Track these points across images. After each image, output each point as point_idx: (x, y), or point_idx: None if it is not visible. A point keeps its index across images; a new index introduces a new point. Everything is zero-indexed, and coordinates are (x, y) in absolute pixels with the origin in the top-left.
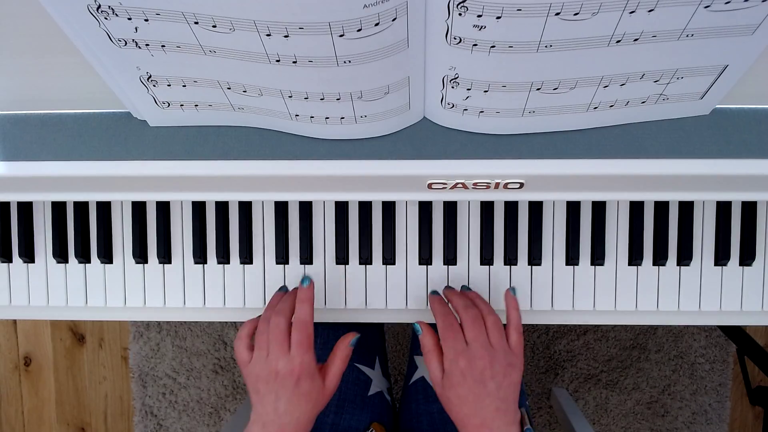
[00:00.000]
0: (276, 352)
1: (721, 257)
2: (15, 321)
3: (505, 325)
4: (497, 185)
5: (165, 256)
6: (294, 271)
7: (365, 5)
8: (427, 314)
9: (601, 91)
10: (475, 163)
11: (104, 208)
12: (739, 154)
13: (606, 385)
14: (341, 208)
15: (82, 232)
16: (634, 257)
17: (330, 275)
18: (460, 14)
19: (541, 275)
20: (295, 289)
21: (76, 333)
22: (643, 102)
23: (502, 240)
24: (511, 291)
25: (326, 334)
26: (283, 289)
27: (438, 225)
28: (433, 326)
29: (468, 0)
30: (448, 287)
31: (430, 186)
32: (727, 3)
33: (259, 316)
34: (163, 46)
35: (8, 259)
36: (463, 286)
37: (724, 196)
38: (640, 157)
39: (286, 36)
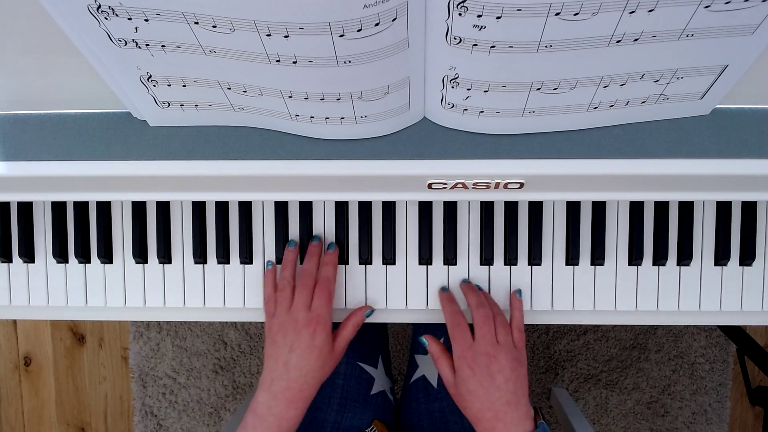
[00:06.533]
0: (299, 305)
1: (721, 257)
2: (15, 321)
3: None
4: (497, 185)
5: (165, 256)
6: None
7: (365, 5)
8: (427, 314)
9: (601, 91)
10: (475, 163)
11: (104, 208)
12: (739, 154)
13: (606, 385)
14: (341, 208)
15: (82, 232)
16: (634, 257)
17: None
18: (460, 14)
19: (541, 275)
20: (316, 249)
21: (76, 333)
22: (643, 102)
23: (502, 240)
24: (517, 293)
25: None
26: (291, 244)
27: (438, 225)
28: (436, 326)
29: (468, 0)
30: (466, 282)
31: (430, 186)
32: (727, 3)
33: (270, 265)
34: (163, 46)
35: (8, 259)
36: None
37: (724, 196)
38: (640, 157)
39: (286, 36)
